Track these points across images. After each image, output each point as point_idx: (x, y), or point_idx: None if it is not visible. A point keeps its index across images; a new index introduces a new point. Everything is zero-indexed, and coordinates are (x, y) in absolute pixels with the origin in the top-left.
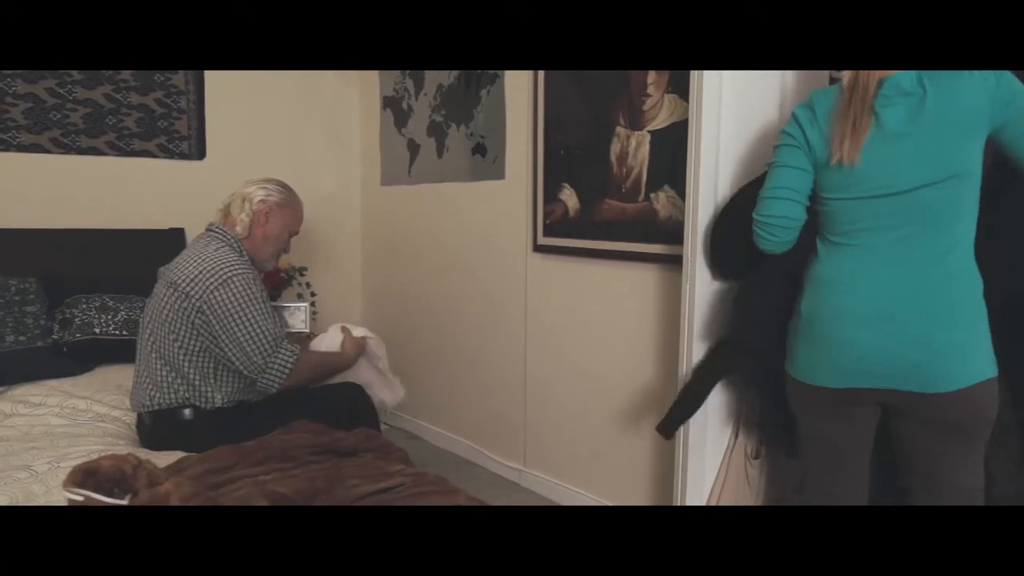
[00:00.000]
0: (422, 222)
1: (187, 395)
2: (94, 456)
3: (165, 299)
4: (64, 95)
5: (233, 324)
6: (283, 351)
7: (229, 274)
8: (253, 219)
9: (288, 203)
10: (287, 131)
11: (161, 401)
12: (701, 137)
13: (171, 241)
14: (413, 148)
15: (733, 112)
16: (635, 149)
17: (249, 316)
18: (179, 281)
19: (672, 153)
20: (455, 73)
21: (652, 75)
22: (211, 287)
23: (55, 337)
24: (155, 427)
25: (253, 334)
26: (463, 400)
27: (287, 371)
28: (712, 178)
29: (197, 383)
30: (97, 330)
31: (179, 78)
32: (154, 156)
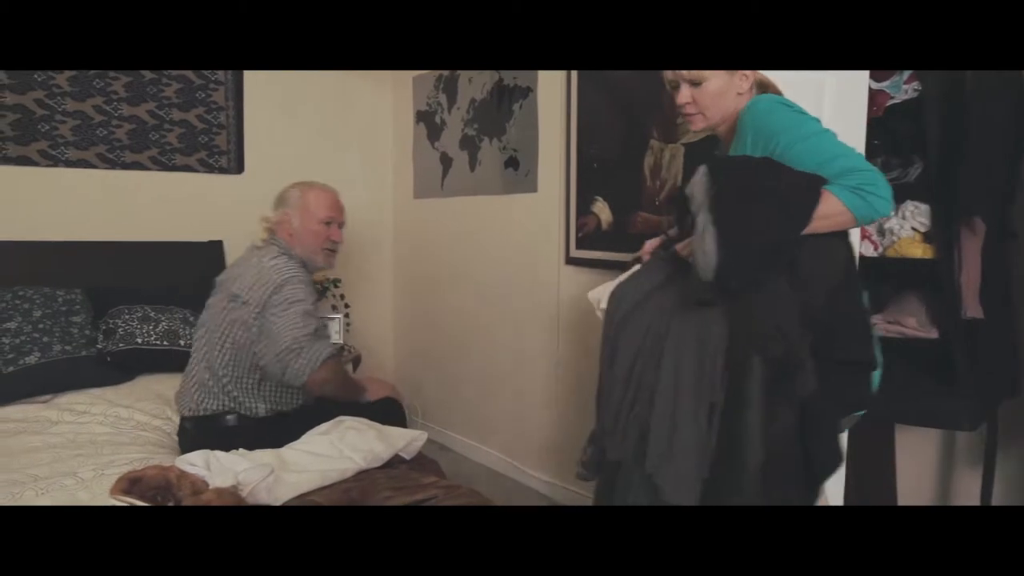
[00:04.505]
0: (455, 235)
1: (231, 406)
2: (136, 464)
3: (222, 310)
4: (110, 112)
5: (277, 318)
6: (320, 344)
7: (282, 280)
8: (279, 226)
9: (304, 197)
10: (322, 145)
11: (207, 407)
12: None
13: (210, 253)
14: (446, 161)
15: None
16: (669, 162)
17: (294, 311)
18: (239, 292)
19: None
20: (488, 87)
21: None
22: (267, 293)
23: (99, 347)
24: (197, 433)
25: (291, 326)
26: (495, 412)
27: (318, 361)
28: None
29: (239, 397)
30: (139, 340)
31: (219, 94)
32: (195, 170)
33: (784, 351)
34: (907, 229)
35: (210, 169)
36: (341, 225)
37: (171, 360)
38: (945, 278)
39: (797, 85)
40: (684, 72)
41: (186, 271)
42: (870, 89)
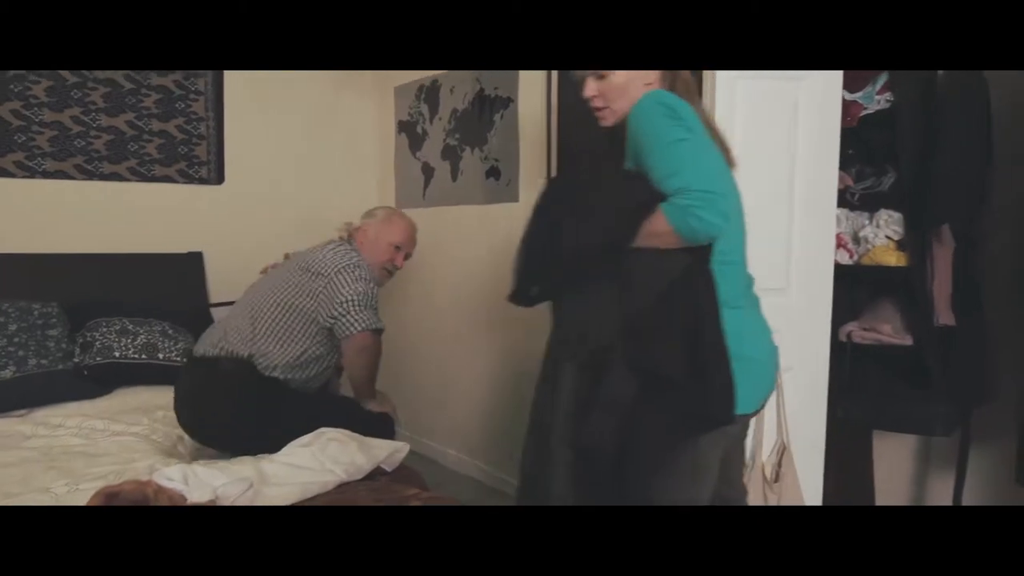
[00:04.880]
0: (436, 244)
1: (251, 352)
2: (112, 478)
3: (290, 274)
4: (88, 123)
5: (346, 281)
6: (377, 316)
7: (355, 262)
8: (357, 232)
9: (388, 219)
10: (304, 156)
11: (226, 347)
12: None
13: (189, 265)
14: (428, 171)
15: (747, 128)
16: None
17: (363, 283)
18: (311, 265)
19: None
20: (469, 97)
21: None
22: (340, 266)
23: (76, 360)
24: (196, 371)
25: (359, 289)
26: (478, 423)
27: (371, 326)
28: None
29: (263, 350)
30: (117, 354)
31: (199, 105)
32: (174, 181)
33: (589, 357)
34: (881, 237)
35: (190, 180)
36: (407, 256)
37: (150, 373)
38: (918, 286)
39: (772, 97)
40: None
41: (165, 283)
42: (844, 100)
